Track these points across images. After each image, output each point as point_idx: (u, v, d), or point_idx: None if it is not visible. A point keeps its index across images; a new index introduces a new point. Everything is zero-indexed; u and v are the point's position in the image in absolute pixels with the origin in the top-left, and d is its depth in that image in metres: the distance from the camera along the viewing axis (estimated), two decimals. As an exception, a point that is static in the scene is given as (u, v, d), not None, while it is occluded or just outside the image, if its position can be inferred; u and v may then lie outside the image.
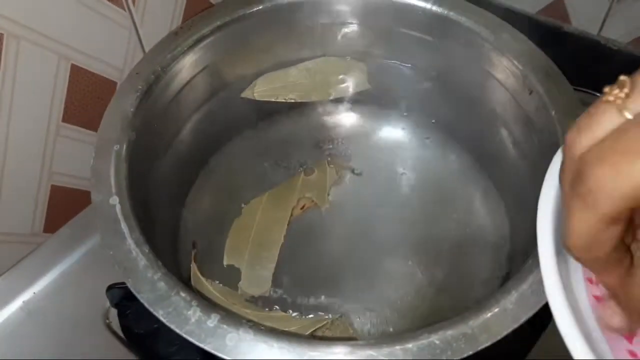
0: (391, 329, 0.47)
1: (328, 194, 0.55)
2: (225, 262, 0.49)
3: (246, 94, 0.56)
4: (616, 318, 0.26)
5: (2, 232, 0.53)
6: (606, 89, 0.23)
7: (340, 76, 0.59)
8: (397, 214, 0.54)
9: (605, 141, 0.22)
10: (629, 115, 0.22)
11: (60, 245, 0.54)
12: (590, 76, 0.65)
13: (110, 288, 0.49)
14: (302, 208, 0.53)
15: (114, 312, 0.51)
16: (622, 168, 0.21)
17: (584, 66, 0.68)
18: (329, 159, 0.57)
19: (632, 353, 0.29)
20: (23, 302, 0.51)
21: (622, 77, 0.23)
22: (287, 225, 0.53)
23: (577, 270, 0.31)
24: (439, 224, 0.53)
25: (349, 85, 0.60)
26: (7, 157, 0.50)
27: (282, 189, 0.54)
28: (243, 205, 0.52)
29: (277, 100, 0.57)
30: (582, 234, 0.23)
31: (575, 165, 0.24)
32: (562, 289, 0.28)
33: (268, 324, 0.41)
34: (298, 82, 0.57)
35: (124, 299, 0.49)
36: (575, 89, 0.53)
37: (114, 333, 0.50)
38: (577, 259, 0.25)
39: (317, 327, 0.43)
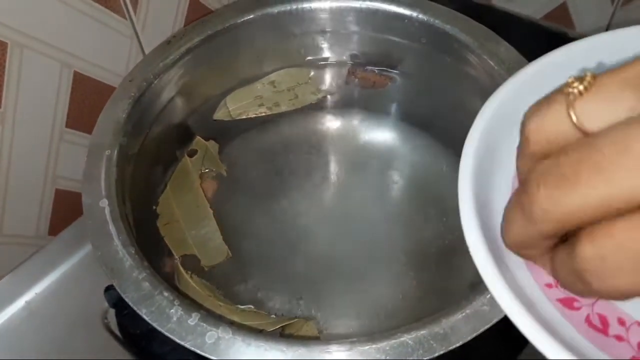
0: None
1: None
2: (177, 255, 0.50)
3: (218, 115, 0.58)
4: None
5: (7, 234, 0.54)
6: (570, 79, 0.22)
7: (304, 84, 0.60)
8: (386, 218, 0.54)
9: (548, 161, 0.22)
10: (573, 117, 0.22)
11: (61, 247, 0.56)
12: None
13: (108, 289, 0.50)
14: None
15: (112, 312, 0.52)
16: (556, 195, 0.21)
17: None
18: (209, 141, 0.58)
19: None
20: (25, 302, 0.53)
21: (588, 73, 0.22)
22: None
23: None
24: (428, 227, 0.53)
25: (314, 92, 0.61)
26: (12, 162, 0.51)
27: (178, 175, 0.55)
28: (154, 207, 0.52)
29: (249, 116, 0.58)
30: (518, 235, 0.24)
31: (526, 167, 0.24)
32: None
33: (236, 318, 0.43)
34: (265, 96, 0.59)
35: (121, 300, 0.50)
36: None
37: (112, 332, 0.51)
38: (511, 250, 0.26)
39: (283, 324, 0.44)
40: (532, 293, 0.29)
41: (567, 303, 0.31)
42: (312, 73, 0.60)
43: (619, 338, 0.29)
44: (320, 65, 0.60)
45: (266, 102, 0.58)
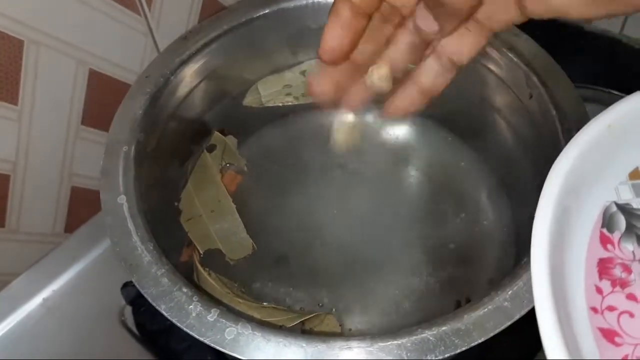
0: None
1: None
2: (201, 251, 0.50)
3: (248, 101, 0.57)
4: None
5: (24, 231, 0.55)
6: None
7: None
8: (403, 214, 0.54)
9: None
10: None
11: (78, 244, 0.56)
12: (611, 75, 0.64)
13: (125, 286, 0.50)
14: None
15: (129, 309, 0.52)
16: None
17: (605, 65, 0.67)
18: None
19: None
20: (43, 299, 0.53)
21: None
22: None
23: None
24: (446, 223, 0.52)
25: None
26: (28, 159, 0.51)
27: (198, 170, 0.55)
28: (176, 203, 0.52)
29: (275, 104, 0.57)
30: None
31: None
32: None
33: (256, 314, 0.42)
34: (294, 85, 0.57)
35: (138, 297, 0.50)
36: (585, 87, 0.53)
37: (129, 330, 0.52)
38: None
39: (303, 319, 0.43)
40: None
41: (608, 335, 0.30)
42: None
43: None
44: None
45: (294, 91, 0.57)
